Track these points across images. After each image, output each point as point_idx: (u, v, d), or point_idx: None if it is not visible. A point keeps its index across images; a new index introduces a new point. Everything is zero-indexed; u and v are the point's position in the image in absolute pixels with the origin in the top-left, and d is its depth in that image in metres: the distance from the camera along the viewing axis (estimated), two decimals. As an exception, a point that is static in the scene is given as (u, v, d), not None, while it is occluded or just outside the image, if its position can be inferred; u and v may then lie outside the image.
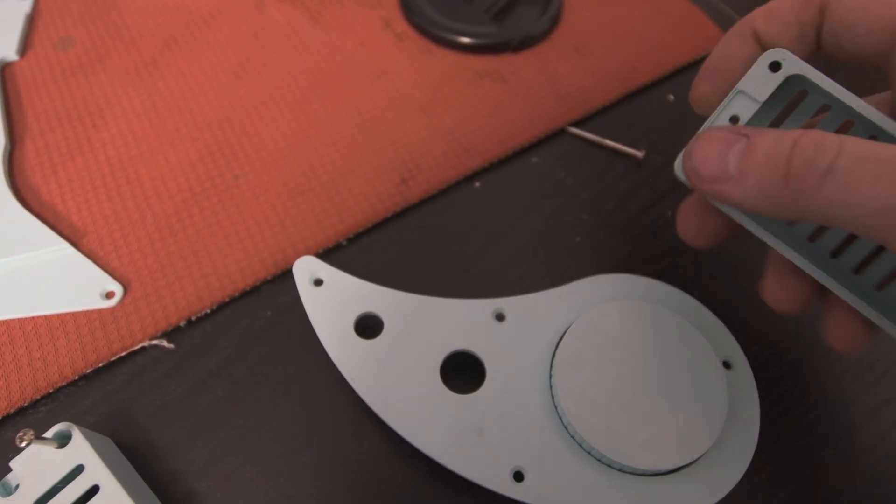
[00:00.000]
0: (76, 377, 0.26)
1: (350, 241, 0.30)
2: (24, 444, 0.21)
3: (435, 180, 0.31)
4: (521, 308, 0.25)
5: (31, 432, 0.21)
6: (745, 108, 0.18)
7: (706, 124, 0.19)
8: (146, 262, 0.29)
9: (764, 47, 0.19)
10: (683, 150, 0.19)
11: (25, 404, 0.25)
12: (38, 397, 0.25)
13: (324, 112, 0.34)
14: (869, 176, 0.14)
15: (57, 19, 0.38)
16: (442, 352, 0.24)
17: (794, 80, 0.18)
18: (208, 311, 0.28)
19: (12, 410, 0.25)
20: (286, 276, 0.28)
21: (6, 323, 0.27)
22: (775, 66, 0.17)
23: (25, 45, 0.37)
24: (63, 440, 0.22)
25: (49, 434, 0.22)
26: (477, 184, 0.32)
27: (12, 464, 0.22)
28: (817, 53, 0.19)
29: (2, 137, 0.32)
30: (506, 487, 0.22)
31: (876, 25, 0.17)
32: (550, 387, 0.23)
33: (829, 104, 0.18)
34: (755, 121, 0.19)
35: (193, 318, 0.27)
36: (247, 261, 0.29)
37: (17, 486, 0.22)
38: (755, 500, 0.24)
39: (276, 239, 0.29)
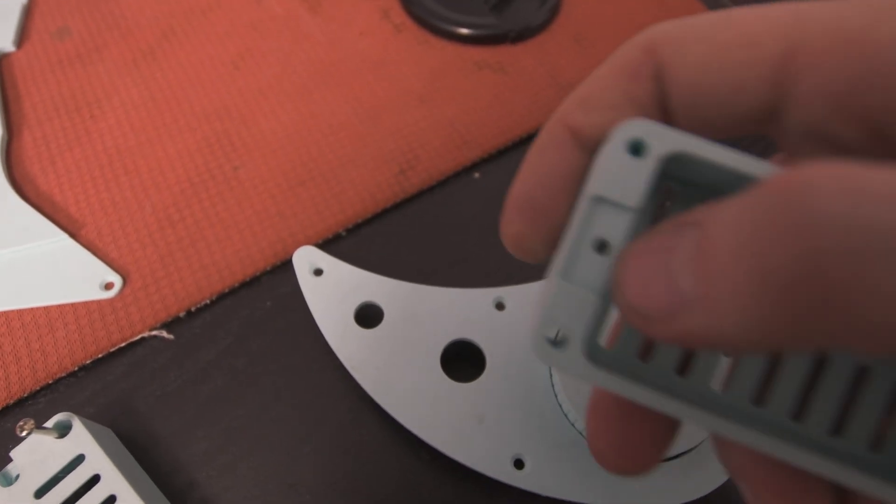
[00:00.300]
0: (76, 368, 0.26)
1: (350, 231, 0.30)
2: (24, 434, 0.21)
3: (434, 171, 0.31)
4: (520, 297, 0.25)
5: (32, 421, 0.21)
6: (612, 224, 0.11)
7: (553, 272, 0.11)
8: (145, 253, 0.28)
9: (591, 151, 0.12)
10: (538, 307, 0.11)
11: (25, 395, 0.25)
12: (38, 388, 0.25)
13: (323, 102, 0.34)
14: None
15: (54, 10, 0.38)
16: (442, 341, 0.24)
17: (669, 163, 0.11)
18: (208, 301, 0.27)
19: (12, 401, 0.25)
20: (286, 266, 0.28)
21: (5, 314, 0.27)
22: (637, 148, 0.11)
23: (22, 36, 0.36)
24: (63, 430, 0.22)
25: (49, 424, 0.22)
26: (476, 174, 0.32)
27: (13, 454, 0.22)
28: None
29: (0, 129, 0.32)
30: (506, 475, 0.22)
31: (743, 78, 0.11)
32: (550, 375, 0.23)
33: (723, 184, 0.11)
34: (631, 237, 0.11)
35: (193, 309, 0.27)
36: (246, 251, 0.29)
37: (17, 476, 0.22)
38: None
39: (275, 229, 0.29)
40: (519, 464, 0.22)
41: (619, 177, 0.11)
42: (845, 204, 0.08)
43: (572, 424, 0.23)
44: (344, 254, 0.27)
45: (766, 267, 0.08)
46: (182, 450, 0.25)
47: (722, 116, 0.11)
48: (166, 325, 0.27)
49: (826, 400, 0.12)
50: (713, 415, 0.11)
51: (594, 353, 0.11)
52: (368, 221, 0.30)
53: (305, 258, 0.26)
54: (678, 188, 0.12)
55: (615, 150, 0.11)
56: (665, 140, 0.11)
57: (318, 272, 0.26)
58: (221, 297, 0.28)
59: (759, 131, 0.12)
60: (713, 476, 0.22)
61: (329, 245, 0.29)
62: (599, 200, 0.11)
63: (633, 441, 0.12)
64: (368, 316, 0.25)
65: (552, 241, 0.12)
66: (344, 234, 0.30)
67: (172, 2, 0.38)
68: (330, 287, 0.25)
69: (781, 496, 0.12)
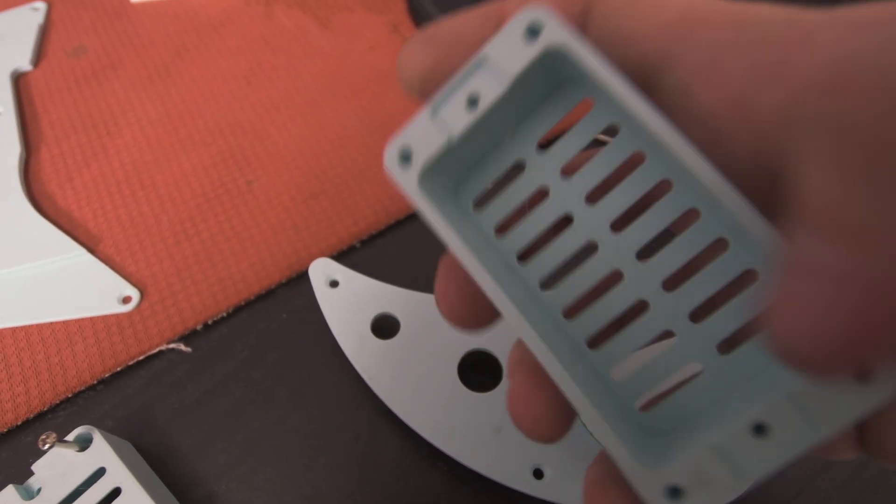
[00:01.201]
0: (95, 382, 0.26)
1: (364, 243, 0.30)
2: (46, 447, 0.21)
3: (446, 181, 0.32)
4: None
5: (54, 435, 0.21)
6: (488, 84, 0.12)
7: (427, 104, 0.13)
8: (162, 267, 0.29)
9: None
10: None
11: (45, 409, 0.26)
12: (58, 402, 0.26)
13: (334, 115, 0.34)
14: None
15: (70, 29, 0.38)
16: (459, 351, 0.24)
17: (560, 62, 0.12)
18: (224, 314, 0.28)
19: (32, 415, 0.25)
20: (301, 278, 0.29)
21: (25, 329, 0.27)
22: (533, 31, 0.12)
23: (39, 56, 0.37)
24: (84, 443, 0.22)
25: (70, 437, 0.22)
26: (488, 184, 0.32)
27: (34, 467, 0.22)
28: None
29: (17, 146, 0.32)
30: (526, 485, 0.22)
31: (641, 30, 0.12)
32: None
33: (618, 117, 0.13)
34: (500, 110, 0.12)
35: (210, 322, 0.28)
36: (261, 264, 0.29)
37: (39, 490, 0.22)
38: (778, 493, 0.24)
39: (289, 242, 0.29)
40: (538, 473, 0.22)
41: (510, 49, 0.12)
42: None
43: (591, 434, 0.23)
44: (359, 265, 0.28)
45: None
46: (200, 462, 0.25)
47: (619, 57, 0.12)
48: (184, 338, 0.27)
49: (618, 342, 0.13)
50: (501, 290, 0.12)
51: (429, 185, 0.13)
52: (382, 233, 0.30)
53: (321, 270, 0.26)
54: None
55: (515, 26, 0.12)
56: (557, 33, 0.12)
57: (334, 284, 0.26)
58: (238, 309, 0.28)
59: (645, 83, 0.12)
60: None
61: (343, 257, 0.29)
62: (486, 61, 0.12)
63: (543, 407, 0.13)
64: (385, 327, 0.25)
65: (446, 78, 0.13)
66: (358, 245, 0.30)
67: (185, 19, 0.39)
68: (346, 298, 0.25)
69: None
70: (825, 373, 0.09)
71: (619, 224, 0.13)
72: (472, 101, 0.12)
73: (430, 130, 0.12)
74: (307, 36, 0.38)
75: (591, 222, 0.13)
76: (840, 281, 0.09)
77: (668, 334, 0.13)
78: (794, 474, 0.25)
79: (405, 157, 0.13)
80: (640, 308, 0.13)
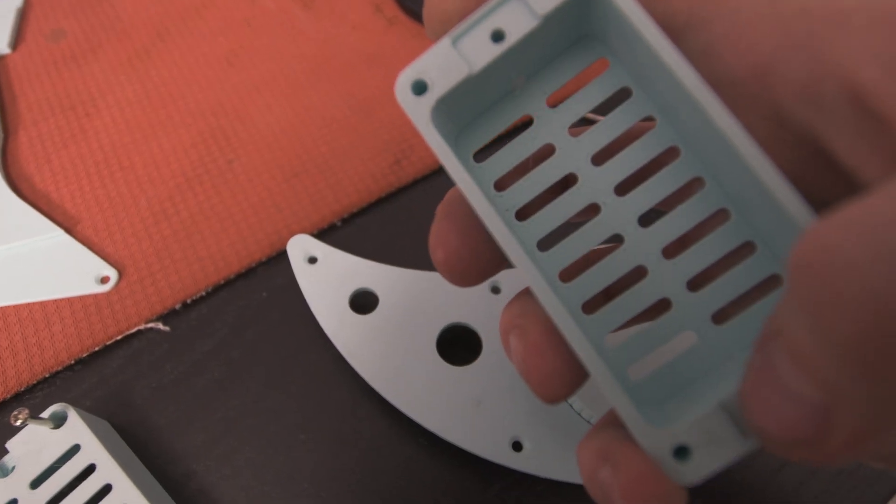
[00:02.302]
0: (72, 361, 0.26)
1: (345, 221, 0.30)
2: (19, 423, 0.21)
3: (429, 160, 0.31)
4: (516, 280, 0.25)
5: (27, 411, 0.21)
6: (517, 20, 0.11)
7: (448, 33, 0.12)
8: (141, 247, 0.28)
9: None
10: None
11: (22, 389, 0.25)
12: (35, 382, 0.25)
13: (317, 96, 0.34)
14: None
15: (48, 12, 0.38)
16: (438, 325, 0.24)
17: (592, 7, 0.12)
18: (203, 293, 0.27)
19: (9, 395, 0.25)
20: (281, 257, 0.28)
21: (2, 310, 0.27)
22: None
23: (17, 38, 0.37)
24: (59, 421, 0.22)
25: (45, 414, 0.22)
26: (471, 163, 0.32)
27: (8, 444, 0.22)
28: None
29: (-5, 129, 0.32)
30: (505, 457, 0.22)
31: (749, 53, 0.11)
32: (548, 357, 0.23)
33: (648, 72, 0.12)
34: (524, 50, 0.12)
35: (189, 301, 0.27)
36: (241, 243, 0.29)
37: (13, 468, 0.21)
38: (762, 464, 0.24)
39: (270, 221, 0.29)
40: (517, 446, 0.22)
41: None
42: (868, 252, 0.08)
43: (570, 405, 0.22)
44: (340, 243, 0.27)
45: (847, 346, 0.08)
46: (179, 440, 0.24)
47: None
48: (162, 318, 0.27)
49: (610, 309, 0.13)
50: (511, 233, 0.12)
51: (439, 122, 0.12)
52: (364, 211, 0.30)
53: (299, 246, 0.26)
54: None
55: None
56: None
57: (313, 260, 0.26)
58: (217, 288, 0.28)
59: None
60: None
61: (325, 235, 0.29)
62: None
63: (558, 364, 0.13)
64: (363, 302, 0.25)
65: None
66: (339, 224, 0.30)
67: (166, 2, 0.39)
68: (324, 275, 0.25)
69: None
70: (794, 455, 0.09)
71: (624, 188, 0.13)
72: (498, 36, 0.12)
73: (449, 61, 0.12)
74: (290, 17, 0.38)
75: (596, 184, 0.13)
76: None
77: (664, 303, 0.12)
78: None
79: (419, 87, 0.12)
80: (637, 275, 0.12)
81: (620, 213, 0.13)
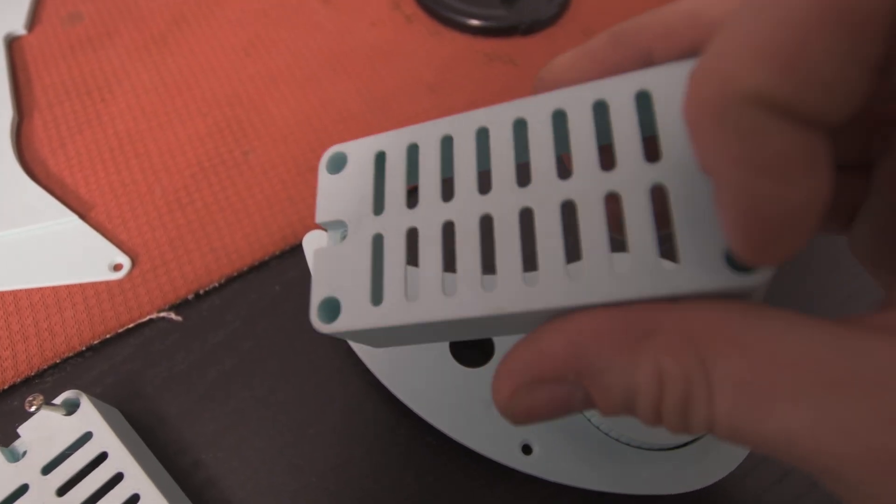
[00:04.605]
0: (83, 348, 0.26)
1: (359, 218, 0.30)
2: (33, 409, 0.21)
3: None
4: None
5: (41, 397, 0.21)
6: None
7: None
8: (154, 236, 0.28)
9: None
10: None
11: (32, 374, 0.25)
12: (46, 367, 0.25)
13: (333, 90, 0.34)
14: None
15: (66, -6, 0.38)
16: (451, 326, 0.24)
17: None
18: (216, 284, 0.27)
19: (19, 380, 0.25)
20: (295, 251, 0.28)
21: (14, 293, 0.27)
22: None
23: (34, 20, 0.36)
24: (71, 408, 0.22)
25: (58, 401, 0.22)
26: (486, 164, 0.32)
27: (20, 430, 0.22)
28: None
29: (10, 111, 0.32)
30: (514, 460, 0.22)
31: None
32: (559, 362, 0.23)
33: None
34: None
35: (201, 292, 0.27)
36: (255, 235, 0.29)
37: (24, 453, 0.21)
38: (763, 474, 0.24)
39: (284, 214, 0.29)
40: (527, 449, 0.22)
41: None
42: None
43: (580, 411, 0.22)
44: (353, 239, 0.27)
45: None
46: (188, 430, 0.24)
47: None
48: (174, 307, 0.27)
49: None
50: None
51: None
52: (377, 208, 0.30)
53: (315, 242, 0.26)
54: None
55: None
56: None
57: (328, 256, 0.26)
58: (230, 280, 0.28)
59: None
60: (722, 464, 0.22)
61: (338, 231, 0.29)
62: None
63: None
64: (377, 300, 0.25)
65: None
66: (353, 220, 0.30)
67: (184, -11, 0.38)
68: (339, 271, 0.25)
69: None
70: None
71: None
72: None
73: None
74: (308, 10, 0.38)
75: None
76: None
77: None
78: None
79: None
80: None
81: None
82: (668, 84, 0.12)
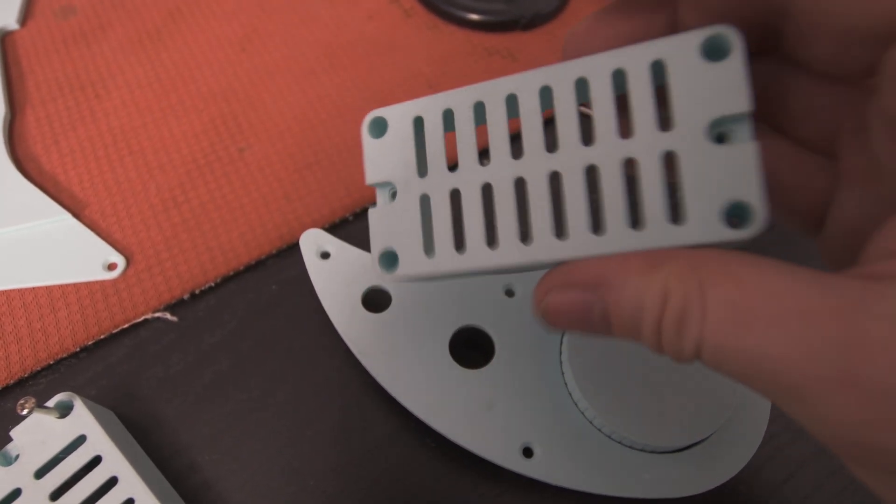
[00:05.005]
0: (77, 349, 0.25)
1: (356, 216, 0.29)
2: (25, 412, 0.20)
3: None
4: (531, 284, 0.25)
5: (33, 400, 0.20)
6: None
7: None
8: (149, 235, 0.28)
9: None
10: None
11: (25, 375, 0.25)
12: (39, 368, 0.25)
13: (331, 85, 0.33)
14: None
15: (58, -12, 0.37)
16: (451, 327, 0.24)
17: None
18: (212, 284, 0.27)
19: (12, 381, 0.25)
20: (292, 250, 0.28)
21: (6, 293, 0.26)
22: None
23: (26, 14, 0.36)
24: (65, 410, 0.22)
25: (51, 403, 0.22)
26: (486, 161, 0.32)
27: (13, 433, 0.21)
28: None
29: (2, 106, 0.31)
30: (515, 463, 0.22)
31: (862, 25, 0.11)
32: (560, 363, 0.23)
33: None
34: None
35: (197, 292, 0.27)
36: (251, 234, 0.28)
37: (17, 456, 0.21)
38: (768, 476, 0.24)
39: (281, 212, 0.29)
40: (528, 452, 0.22)
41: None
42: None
43: (582, 413, 0.22)
44: (351, 238, 0.27)
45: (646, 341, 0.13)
46: (184, 432, 0.24)
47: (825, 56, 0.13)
48: (170, 308, 0.27)
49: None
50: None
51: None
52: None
53: (312, 241, 0.25)
54: None
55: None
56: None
57: (325, 255, 0.25)
58: (226, 280, 0.27)
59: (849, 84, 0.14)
60: (726, 466, 0.22)
61: (336, 229, 0.29)
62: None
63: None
64: (376, 300, 0.25)
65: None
66: (351, 218, 0.29)
67: (179, -18, 0.38)
68: (337, 270, 0.25)
69: None
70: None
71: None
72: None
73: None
74: (304, 3, 0.37)
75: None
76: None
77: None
78: (782, 459, 0.24)
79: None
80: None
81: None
82: (681, 54, 0.13)
